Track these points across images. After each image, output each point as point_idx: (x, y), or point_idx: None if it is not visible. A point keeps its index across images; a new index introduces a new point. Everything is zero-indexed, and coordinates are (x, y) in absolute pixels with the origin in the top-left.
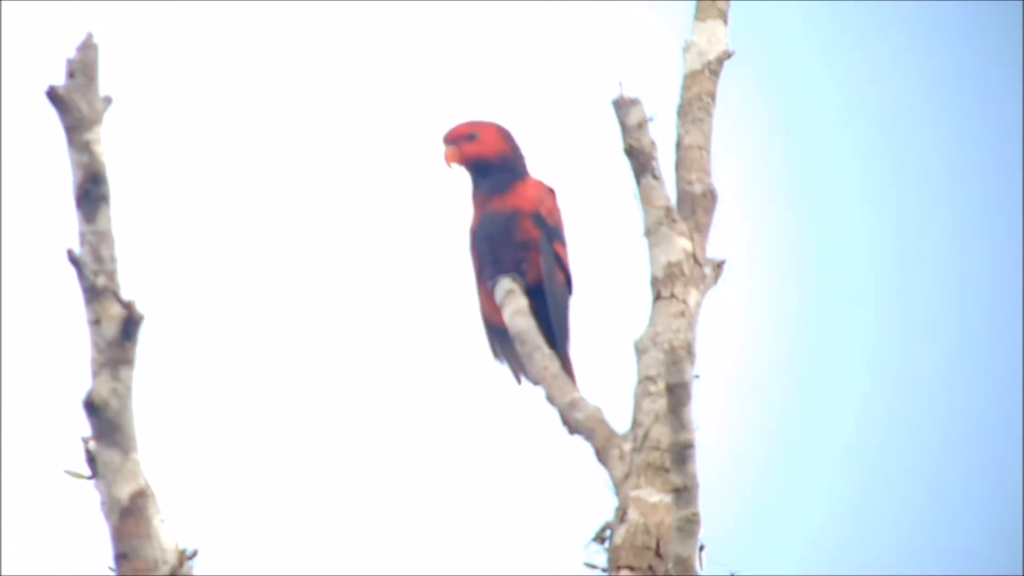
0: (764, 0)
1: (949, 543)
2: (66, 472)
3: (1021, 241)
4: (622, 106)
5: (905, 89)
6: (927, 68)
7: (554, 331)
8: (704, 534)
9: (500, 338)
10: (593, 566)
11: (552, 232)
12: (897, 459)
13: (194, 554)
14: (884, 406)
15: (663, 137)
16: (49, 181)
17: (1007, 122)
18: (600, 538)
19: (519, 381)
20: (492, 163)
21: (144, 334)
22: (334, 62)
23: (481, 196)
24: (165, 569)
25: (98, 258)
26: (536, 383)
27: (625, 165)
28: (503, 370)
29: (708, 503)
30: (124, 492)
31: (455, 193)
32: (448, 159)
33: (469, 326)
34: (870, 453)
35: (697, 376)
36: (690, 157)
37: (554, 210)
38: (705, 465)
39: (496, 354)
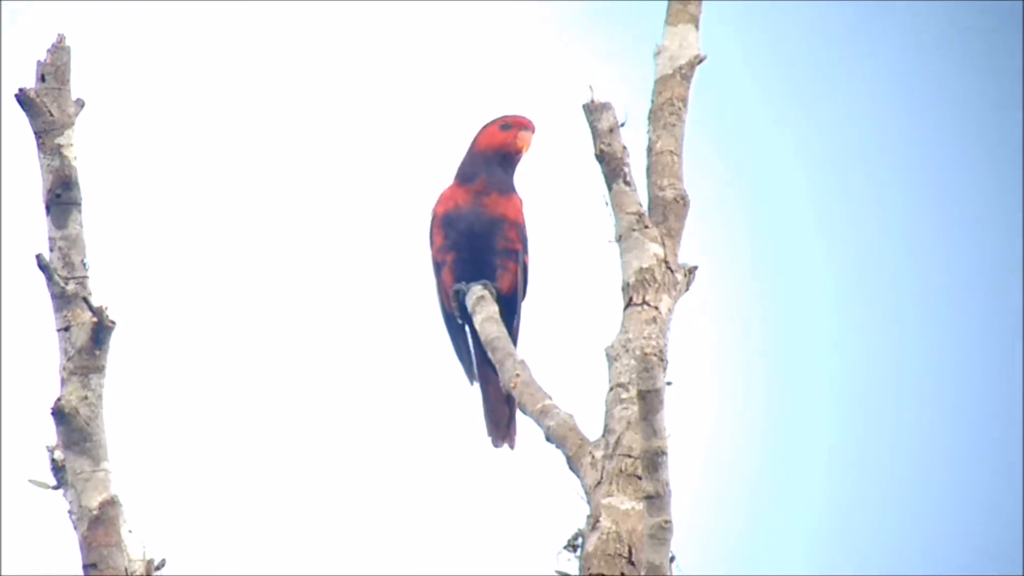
0: (737, 3)
1: (947, 544)
2: (31, 482)
3: (994, 247)
4: (593, 110)
5: (892, 94)
6: (916, 71)
7: (515, 339)
8: (676, 541)
9: (454, 330)
10: (565, 574)
11: (526, 246)
12: (884, 461)
13: (162, 564)
14: (865, 407)
15: (634, 142)
16: (16, 185)
17: (1000, 127)
18: (572, 546)
19: (472, 382)
20: (519, 163)
21: (115, 341)
22: (303, 67)
23: (480, 185)
24: None
25: (68, 264)
26: (507, 390)
27: (597, 170)
28: (457, 368)
29: (680, 510)
30: (94, 501)
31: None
32: (528, 145)
33: (434, 328)
34: (853, 456)
35: (669, 383)
36: (662, 162)
37: (525, 225)
38: (677, 472)
39: (458, 351)
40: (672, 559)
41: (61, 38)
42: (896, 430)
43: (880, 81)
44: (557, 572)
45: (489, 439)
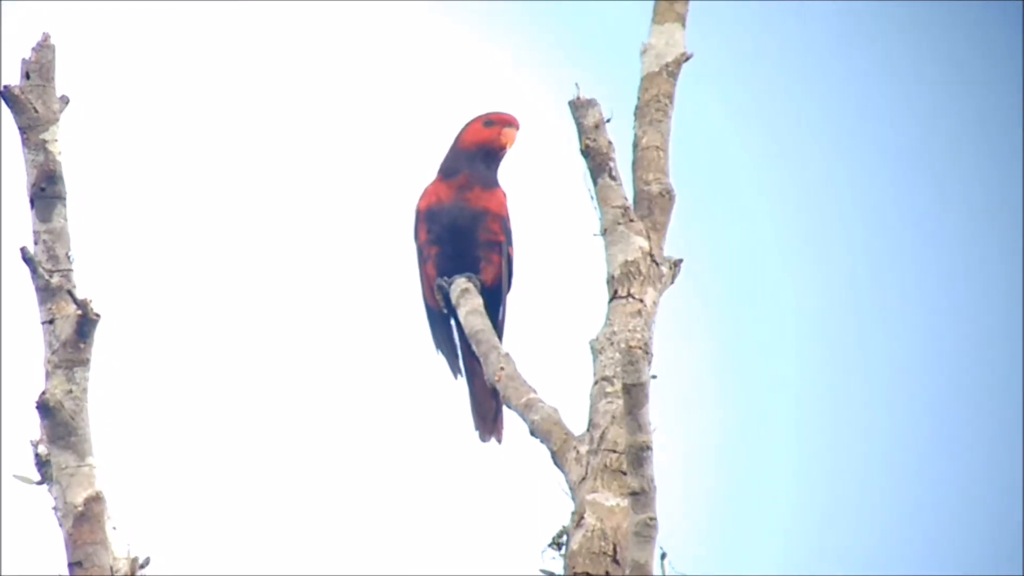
0: (726, 2)
1: (946, 544)
2: (15, 477)
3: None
4: (579, 107)
5: (888, 92)
6: (914, 69)
7: (500, 332)
8: (662, 538)
9: (439, 325)
10: (550, 572)
11: (510, 238)
12: (882, 460)
13: (146, 562)
14: (862, 403)
15: (620, 138)
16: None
17: (999, 127)
18: (556, 543)
19: (456, 376)
20: (503, 159)
21: (100, 334)
22: (290, 64)
23: (463, 180)
24: None
25: (53, 257)
26: (491, 384)
27: (582, 165)
28: (441, 363)
29: (666, 506)
30: (79, 497)
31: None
32: (511, 141)
33: (417, 322)
34: (849, 453)
35: (654, 376)
36: (647, 157)
37: (509, 218)
38: (663, 468)
39: (437, 344)
40: (663, 556)
41: (46, 36)
42: (894, 428)
43: (875, 79)
44: (542, 571)
45: (476, 433)
